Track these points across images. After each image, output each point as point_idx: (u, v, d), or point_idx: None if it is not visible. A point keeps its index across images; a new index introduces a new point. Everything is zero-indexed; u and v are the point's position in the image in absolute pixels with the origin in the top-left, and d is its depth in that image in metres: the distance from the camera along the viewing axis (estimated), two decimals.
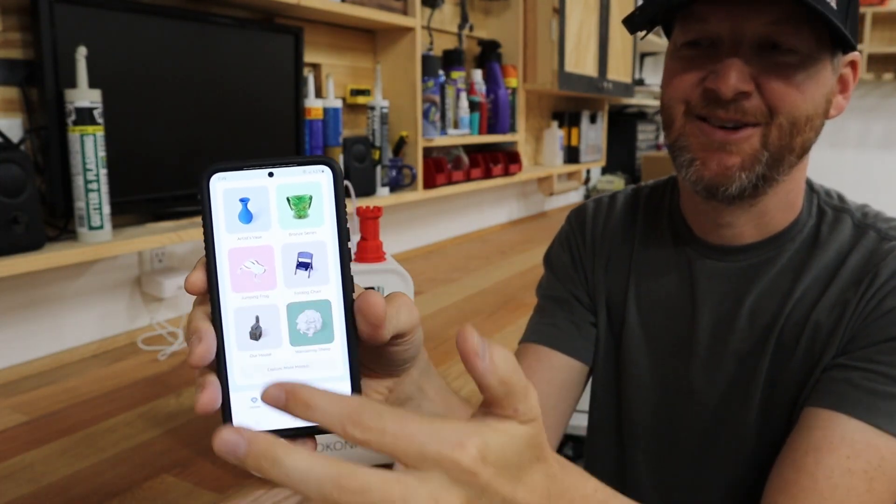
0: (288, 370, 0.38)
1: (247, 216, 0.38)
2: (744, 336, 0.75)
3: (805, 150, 0.70)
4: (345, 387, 0.39)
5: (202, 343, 0.37)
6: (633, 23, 0.71)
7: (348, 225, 0.39)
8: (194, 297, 0.40)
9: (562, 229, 0.92)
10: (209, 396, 0.37)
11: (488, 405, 0.36)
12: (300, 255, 0.38)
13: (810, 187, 0.77)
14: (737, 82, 0.64)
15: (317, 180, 0.38)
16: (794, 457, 0.66)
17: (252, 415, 0.37)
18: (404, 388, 0.49)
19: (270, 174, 0.38)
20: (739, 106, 0.66)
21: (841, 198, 0.77)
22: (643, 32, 0.72)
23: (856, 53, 0.69)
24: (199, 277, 0.39)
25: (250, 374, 0.38)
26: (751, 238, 0.76)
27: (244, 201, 0.38)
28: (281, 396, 0.33)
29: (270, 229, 0.38)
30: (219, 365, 0.37)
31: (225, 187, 0.38)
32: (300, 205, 0.38)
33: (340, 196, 0.38)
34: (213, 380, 0.37)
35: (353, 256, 0.40)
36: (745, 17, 0.64)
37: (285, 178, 0.38)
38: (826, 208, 0.76)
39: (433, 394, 0.53)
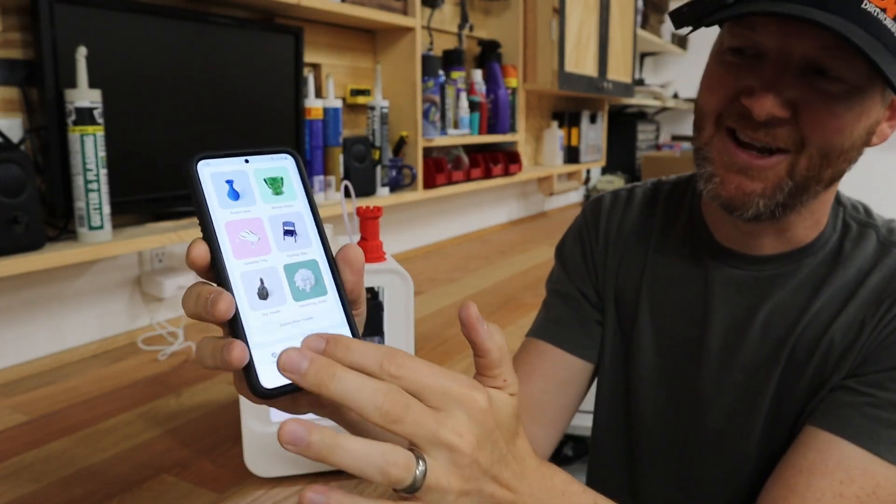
0: (297, 323, 0.42)
1: (234, 194, 0.42)
2: (755, 347, 0.74)
3: (834, 181, 0.67)
4: (345, 331, 0.43)
5: (223, 296, 0.39)
6: (681, 18, 0.67)
7: (317, 202, 0.45)
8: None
9: (576, 221, 0.90)
10: (240, 349, 0.39)
11: (481, 372, 0.43)
12: (285, 224, 0.44)
13: (837, 200, 0.75)
14: (772, 108, 0.61)
15: (283, 165, 0.45)
16: (787, 475, 0.65)
17: (275, 369, 0.40)
18: None
19: (246, 160, 0.43)
20: (771, 131, 0.63)
21: (868, 212, 0.76)
22: (688, 28, 0.69)
23: None
24: (203, 248, 0.41)
25: (266, 330, 0.41)
26: (772, 250, 0.74)
27: (230, 182, 0.42)
28: (321, 344, 0.38)
29: (256, 204, 0.43)
30: (236, 326, 0.40)
31: (211, 171, 0.42)
32: (275, 184, 0.44)
33: (304, 176, 0.45)
34: (235, 339, 0.39)
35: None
36: (795, 36, 0.61)
37: (258, 163, 0.44)
38: (851, 223, 0.74)
39: None
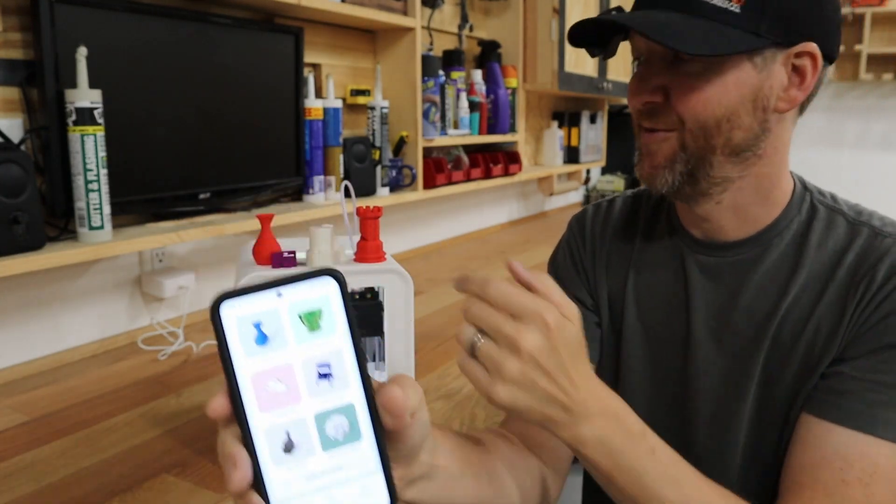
0: (324, 475, 0.39)
1: (262, 339, 0.38)
2: (739, 332, 0.76)
3: (735, 148, 0.71)
4: (378, 479, 0.40)
5: (238, 469, 0.38)
6: (575, 41, 0.77)
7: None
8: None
9: (563, 235, 0.95)
10: None
11: None
12: (319, 366, 0.39)
13: (803, 185, 0.78)
14: (643, 96, 0.72)
15: (324, 293, 0.39)
16: (793, 474, 0.68)
17: None
18: (413, 471, 0.50)
19: (279, 294, 0.38)
20: (654, 116, 0.72)
21: (834, 197, 0.78)
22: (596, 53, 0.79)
23: (808, 44, 0.68)
24: (222, 403, 0.39)
25: (290, 485, 0.39)
26: (735, 234, 0.77)
27: (258, 325, 0.38)
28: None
29: (287, 347, 0.39)
30: (257, 483, 0.38)
31: (237, 314, 0.38)
32: (312, 319, 0.39)
33: (348, 303, 0.39)
34: (256, 499, 0.38)
35: (367, 357, 0.41)
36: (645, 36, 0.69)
37: (293, 295, 0.39)
38: (819, 206, 0.76)
39: (445, 461, 0.55)
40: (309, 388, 0.39)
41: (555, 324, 0.52)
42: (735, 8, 0.66)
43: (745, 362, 0.75)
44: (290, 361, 0.39)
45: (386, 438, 0.41)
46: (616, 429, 0.57)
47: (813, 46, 0.69)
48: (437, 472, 0.53)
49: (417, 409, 0.44)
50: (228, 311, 0.38)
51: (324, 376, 0.39)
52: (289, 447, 0.39)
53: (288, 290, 0.38)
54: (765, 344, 0.74)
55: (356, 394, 0.40)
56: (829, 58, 0.72)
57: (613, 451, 0.57)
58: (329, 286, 0.39)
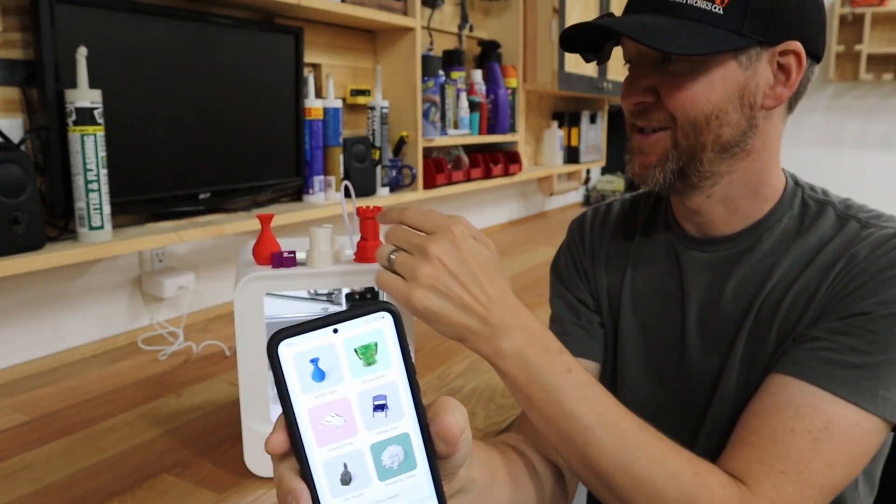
0: (381, 503, 0.41)
1: (319, 375, 0.39)
2: (727, 320, 0.77)
3: (724, 144, 0.73)
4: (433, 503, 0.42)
5: (301, 501, 0.39)
6: (569, 47, 0.79)
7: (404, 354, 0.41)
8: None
9: (564, 240, 0.97)
10: None
11: None
12: (375, 398, 0.40)
13: (795, 182, 0.80)
14: (635, 97, 0.74)
15: (379, 327, 0.40)
16: (745, 419, 0.69)
17: None
18: (453, 486, 0.51)
19: (335, 331, 0.39)
20: (646, 114, 0.75)
21: (825, 192, 0.80)
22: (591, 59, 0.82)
23: (791, 43, 0.71)
24: (281, 440, 0.40)
25: None
26: (726, 228, 0.79)
27: (314, 361, 0.39)
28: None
29: (344, 382, 0.40)
30: None
31: (294, 352, 0.39)
32: (367, 353, 0.40)
33: (403, 337, 0.41)
34: None
35: (420, 387, 0.42)
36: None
37: (349, 331, 0.40)
38: (810, 201, 0.78)
39: (479, 474, 0.55)
40: (365, 421, 0.40)
41: (460, 233, 0.60)
42: (718, 10, 0.69)
43: (731, 349, 0.77)
44: (347, 395, 0.40)
45: (438, 463, 0.42)
46: (534, 344, 0.62)
47: (797, 45, 0.71)
48: (472, 484, 0.53)
49: (465, 429, 0.45)
50: (286, 349, 0.39)
51: (379, 408, 0.40)
52: (346, 479, 0.40)
53: (344, 327, 0.40)
54: (746, 328, 0.75)
55: (410, 423, 0.41)
56: (815, 56, 0.73)
57: (531, 366, 0.62)
58: (384, 320, 0.40)
